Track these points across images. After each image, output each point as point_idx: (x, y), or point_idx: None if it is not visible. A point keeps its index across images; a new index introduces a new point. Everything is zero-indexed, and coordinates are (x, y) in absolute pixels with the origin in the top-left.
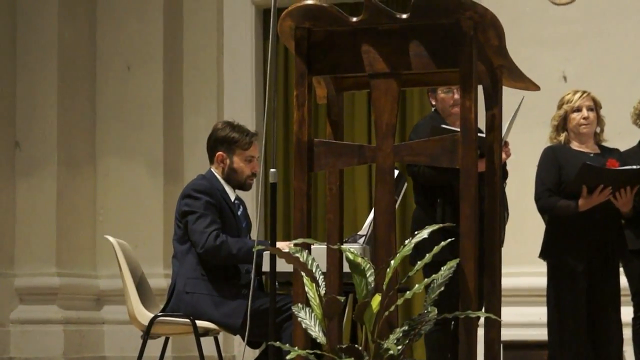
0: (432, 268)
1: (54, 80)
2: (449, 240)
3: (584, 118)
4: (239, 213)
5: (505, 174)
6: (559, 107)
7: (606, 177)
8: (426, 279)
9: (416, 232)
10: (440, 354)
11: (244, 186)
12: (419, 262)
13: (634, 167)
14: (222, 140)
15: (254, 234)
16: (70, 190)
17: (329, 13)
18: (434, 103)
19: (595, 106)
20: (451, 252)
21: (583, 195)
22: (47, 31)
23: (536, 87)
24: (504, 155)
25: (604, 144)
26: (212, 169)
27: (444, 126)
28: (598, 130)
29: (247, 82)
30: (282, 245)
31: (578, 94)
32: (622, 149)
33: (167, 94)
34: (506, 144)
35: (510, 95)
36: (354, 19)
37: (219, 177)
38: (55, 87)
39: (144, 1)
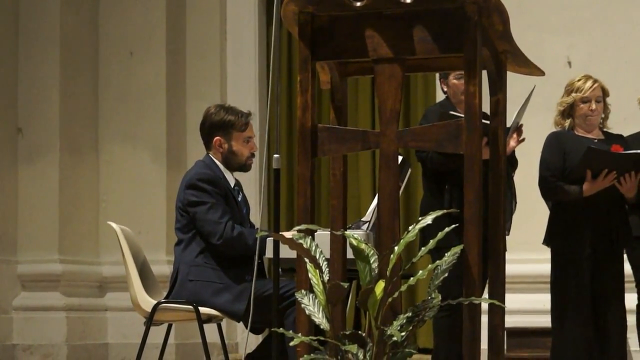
0: (439, 254)
1: (56, 66)
2: (453, 226)
3: (591, 110)
4: (239, 199)
5: (515, 163)
6: (568, 92)
7: (611, 161)
8: (430, 265)
9: (420, 218)
10: (448, 340)
11: (244, 167)
12: (422, 249)
13: (639, 151)
14: (218, 125)
15: (257, 220)
16: (73, 177)
17: None
18: (445, 89)
19: (604, 95)
20: (459, 238)
21: (587, 180)
22: (50, 17)
23: (541, 73)
24: (513, 143)
25: (608, 130)
26: (210, 155)
27: (452, 112)
28: (602, 117)
29: (250, 67)
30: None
31: (589, 83)
32: (627, 134)
33: (169, 80)
34: (520, 129)
35: (515, 80)
36: (358, 4)
37: (218, 163)
38: (58, 73)
39: None
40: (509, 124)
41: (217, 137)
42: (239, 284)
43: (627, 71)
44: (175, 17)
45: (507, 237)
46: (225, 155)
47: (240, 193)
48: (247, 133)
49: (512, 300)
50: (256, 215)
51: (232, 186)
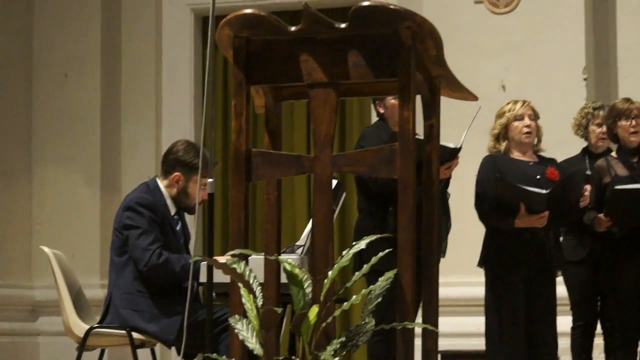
0: (377, 278)
1: None
2: (387, 250)
3: (527, 126)
4: (178, 228)
5: (448, 184)
6: (499, 116)
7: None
8: (363, 290)
9: (354, 243)
10: None
11: (190, 210)
12: (356, 273)
13: (543, 191)
14: (184, 163)
15: (192, 244)
16: (6, 199)
17: (267, 22)
18: (382, 111)
19: (535, 116)
20: (396, 262)
21: (521, 213)
22: None
23: (474, 98)
24: (452, 167)
25: (542, 153)
26: (158, 180)
27: None
28: (536, 141)
29: (185, 90)
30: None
31: (519, 103)
32: (560, 158)
33: (104, 102)
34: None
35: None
36: (292, 28)
37: (163, 189)
38: None
39: (82, 8)
40: (458, 145)
41: (178, 174)
42: (170, 314)
43: (560, 94)
44: (111, 39)
45: (442, 259)
46: (178, 193)
47: (180, 222)
48: (205, 180)
49: (447, 323)
50: (192, 241)
51: (172, 214)
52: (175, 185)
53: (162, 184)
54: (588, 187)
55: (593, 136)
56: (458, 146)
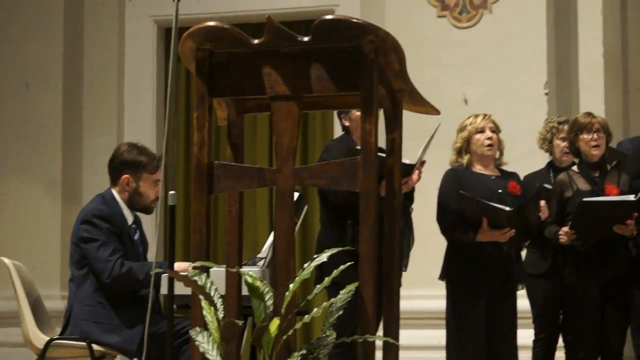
0: (338, 290)
1: None
2: (349, 263)
3: (488, 138)
4: (136, 237)
5: (412, 198)
6: (461, 129)
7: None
8: (324, 303)
9: (315, 255)
10: None
11: (147, 209)
12: (317, 286)
13: (507, 208)
14: (130, 164)
15: (153, 257)
16: None
17: (230, 34)
18: (346, 124)
19: (496, 129)
20: (358, 275)
21: (484, 228)
22: None
23: (436, 112)
24: (415, 178)
25: (503, 167)
26: (112, 190)
27: (359, 147)
28: (497, 154)
29: (148, 102)
30: (181, 266)
31: (480, 117)
32: (523, 172)
33: (66, 113)
34: (422, 164)
35: (409, 118)
36: (256, 41)
37: (118, 199)
38: None
39: (44, 18)
40: (414, 161)
41: (126, 175)
42: (131, 325)
43: (522, 109)
44: (73, 49)
45: (403, 273)
46: (131, 195)
47: (138, 231)
48: (156, 176)
49: (408, 336)
50: (152, 252)
51: (130, 224)
52: (126, 188)
53: (115, 192)
54: (543, 202)
55: (557, 150)
56: (414, 162)
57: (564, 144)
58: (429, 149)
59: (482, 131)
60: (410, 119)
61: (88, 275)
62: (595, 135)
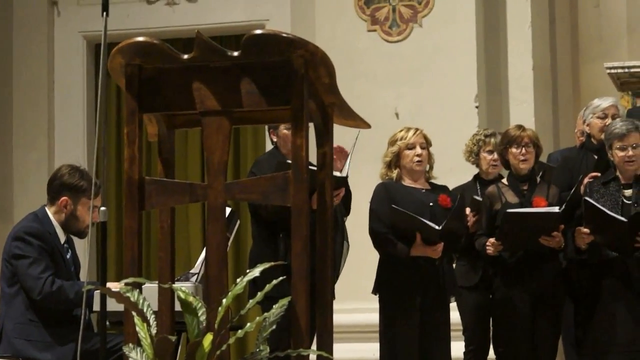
0: (272, 305)
1: None
2: (281, 278)
3: (418, 155)
4: (68, 256)
5: (349, 207)
6: (392, 143)
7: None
8: (258, 318)
9: (248, 270)
10: None
11: (81, 234)
12: (251, 301)
13: (437, 227)
14: (70, 187)
15: (84, 273)
16: None
17: (159, 50)
18: (275, 139)
19: (427, 144)
20: (290, 289)
21: (417, 243)
22: None
23: (367, 125)
24: (340, 194)
25: (433, 180)
26: (46, 209)
27: (289, 161)
28: (427, 168)
29: (78, 118)
30: (113, 286)
31: (412, 132)
32: (454, 185)
33: None
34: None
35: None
36: (185, 56)
37: (52, 218)
38: None
39: None
40: (343, 173)
41: (65, 198)
42: (64, 343)
43: (453, 122)
44: (1, 65)
45: (336, 286)
46: (67, 217)
47: (70, 251)
48: (94, 202)
49: (342, 349)
50: (85, 268)
51: (62, 243)
52: (63, 210)
53: (50, 211)
54: (468, 209)
55: (484, 163)
56: (344, 174)
57: (490, 156)
58: (351, 161)
59: (412, 147)
60: (340, 133)
61: (19, 293)
62: (524, 150)
